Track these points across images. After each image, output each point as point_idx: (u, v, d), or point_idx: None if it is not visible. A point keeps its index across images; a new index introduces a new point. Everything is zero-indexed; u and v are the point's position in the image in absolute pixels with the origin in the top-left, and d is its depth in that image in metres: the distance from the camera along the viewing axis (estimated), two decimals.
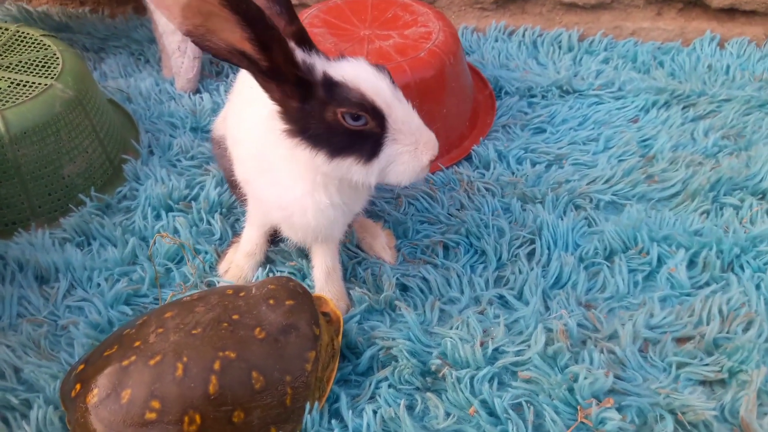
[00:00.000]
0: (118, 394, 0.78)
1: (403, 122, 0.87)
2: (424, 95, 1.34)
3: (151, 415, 0.77)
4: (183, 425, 0.77)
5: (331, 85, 0.84)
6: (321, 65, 0.86)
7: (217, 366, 0.80)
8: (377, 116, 0.85)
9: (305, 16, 1.49)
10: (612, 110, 1.60)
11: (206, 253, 1.20)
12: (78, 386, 0.81)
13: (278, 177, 0.95)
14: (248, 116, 0.98)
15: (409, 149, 0.87)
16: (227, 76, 1.70)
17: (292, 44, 0.82)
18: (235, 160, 1.07)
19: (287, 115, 0.87)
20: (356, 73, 0.86)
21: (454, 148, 1.46)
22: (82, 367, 0.84)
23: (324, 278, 1.10)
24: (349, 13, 1.51)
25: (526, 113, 1.60)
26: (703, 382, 0.99)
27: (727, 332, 1.04)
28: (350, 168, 0.87)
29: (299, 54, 0.84)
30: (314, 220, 0.96)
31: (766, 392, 0.96)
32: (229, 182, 1.23)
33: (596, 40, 1.85)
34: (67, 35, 1.86)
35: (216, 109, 1.54)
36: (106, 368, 0.80)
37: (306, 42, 0.87)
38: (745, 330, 1.04)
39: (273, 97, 0.86)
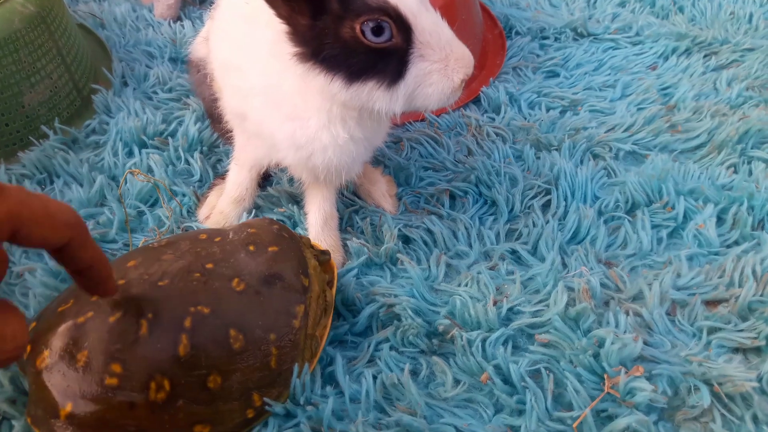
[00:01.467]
0: (72, 356, 0.65)
1: (431, 34, 0.73)
2: None
3: (111, 381, 0.64)
4: (149, 392, 0.65)
5: None
6: None
7: (188, 323, 0.68)
8: (402, 26, 0.71)
9: None
10: (629, 56, 1.49)
11: (184, 195, 1.07)
12: (29, 347, 0.68)
13: (292, 111, 0.81)
14: (249, 38, 0.83)
15: (439, 67, 0.74)
16: (212, 4, 1.55)
17: None
18: (226, 90, 0.92)
19: (297, 35, 0.74)
20: None
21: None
22: (34, 324, 0.71)
23: (321, 226, 0.98)
24: None
25: (538, 55, 1.48)
26: (736, 350, 0.88)
27: (762, 295, 0.92)
28: (371, 94, 0.74)
29: None
30: (336, 158, 0.84)
31: None
32: (211, 115, 1.09)
33: None
34: None
35: None
36: (59, 326, 0.67)
37: None
38: None
39: (280, 14, 0.73)
